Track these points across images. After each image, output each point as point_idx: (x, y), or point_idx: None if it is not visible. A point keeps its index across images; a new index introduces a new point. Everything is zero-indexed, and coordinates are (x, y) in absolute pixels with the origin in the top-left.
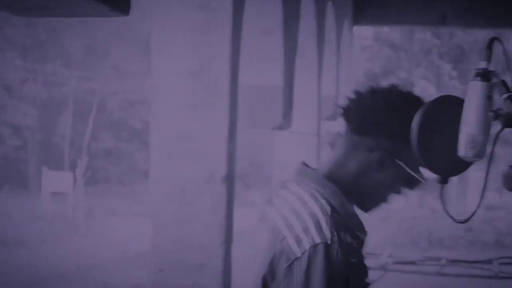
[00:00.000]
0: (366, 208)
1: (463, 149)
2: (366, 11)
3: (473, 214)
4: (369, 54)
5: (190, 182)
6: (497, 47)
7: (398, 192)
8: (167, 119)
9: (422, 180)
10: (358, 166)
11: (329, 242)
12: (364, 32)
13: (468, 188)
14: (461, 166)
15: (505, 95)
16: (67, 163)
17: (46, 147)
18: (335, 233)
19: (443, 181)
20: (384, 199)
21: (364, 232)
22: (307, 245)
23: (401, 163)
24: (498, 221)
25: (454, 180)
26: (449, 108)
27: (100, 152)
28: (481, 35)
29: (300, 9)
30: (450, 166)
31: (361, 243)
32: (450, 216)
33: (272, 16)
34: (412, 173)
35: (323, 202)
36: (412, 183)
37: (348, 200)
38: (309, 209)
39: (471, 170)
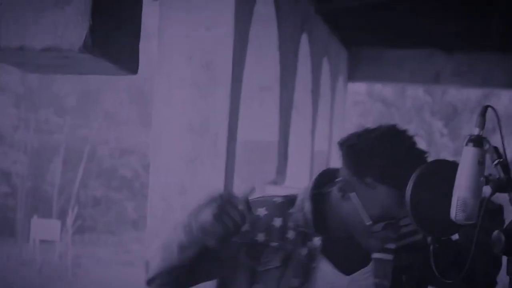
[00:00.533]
0: (362, 246)
1: (454, 212)
2: (360, 68)
3: (462, 274)
4: (361, 110)
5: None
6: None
7: (380, 237)
8: (166, 172)
9: (366, 222)
10: (334, 191)
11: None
12: (357, 88)
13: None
14: (452, 227)
15: (496, 161)
16: (56, 211)
17: (35, 195)
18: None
19: (434, 242)
20: (366, 238)
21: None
22: None
23: (355, 196)
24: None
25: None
26: (441, 171)
27: (89, 201)
28: (474, 93)
29: (297, 65)
30: (442, 227)
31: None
32: (439, 276)
33: (270, 73)
34: (361, 210)
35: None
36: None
37: (336, 232)
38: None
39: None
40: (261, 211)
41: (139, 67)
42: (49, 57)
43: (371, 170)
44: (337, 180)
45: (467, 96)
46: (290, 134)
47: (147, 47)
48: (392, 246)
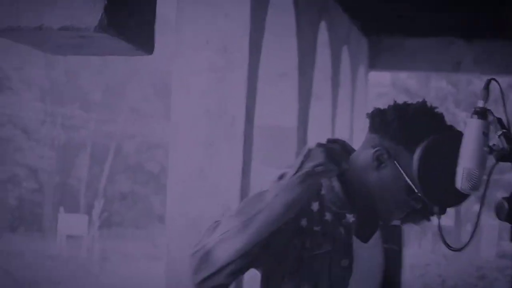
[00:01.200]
0: (381, 216)
1: (460, 182)
2: (381, 57)
3: (467, 244)
4: (386, 101)
5: (205, 216)
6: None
7: (405, 206)
8: (185, 156)
9: (415, 189)
10: (361, 161)
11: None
12: (381, 79)
13: (483, 235)
14: (458, 198)
15: (499, 132)
16: (83, 206)
17: (62, 190)
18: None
19: (441, 211)
20: (391, 208)
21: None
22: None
23: (398, 166)
24: (511, 269)
25: (467, 227)
26: (447, 143)
27: (116, 195)
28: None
29: (315, 53)
30: (448, 198)
31: (337, 217)
32: (446, 244)
33: (288, 60)
34: (407, 180)
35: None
36: (411, 195)
37: (360, 203)
38: None
39: (484, 219)
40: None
41: (165, 60)
42: (66, 36)
43: (415, 138)
44: (362, 152)
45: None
46: (310, 121)
47: (171, 41)
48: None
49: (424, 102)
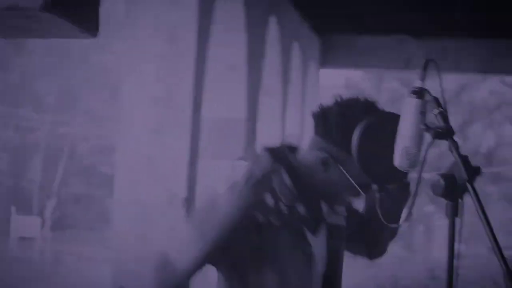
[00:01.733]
0: (330, 204)
1: (398, 160)
2: (332, 55)
3: (405, 219)
4: None
5: (152, 203)
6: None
7: (346, 199)
8: (132, 143)
9: (361, 192)
10: (309, 161)
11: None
12: (336, 81)
13: (434, 236)
14: (397, 176)
15: (436, 111)
16: (36, 208)
17: (15, 192)
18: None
19: (381, 189)
20: (336, 201)
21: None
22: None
23: (343, 170)
24: (464, 269)
25: (420, 228)
26: (385, 123)
27: (69, 198)
28: (449, 85)
29: (265, 47)
30: (387, 176)
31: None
32: (382, 220)
33: (237, 52)
34: (352, 181)
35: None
36: (355, 193)
37: (308, 197)
38: None
39: (436, 219)
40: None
41: (120, 63)
42: (12, 16)
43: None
44: (305, 153)
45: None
46: (260, 115)
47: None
48: (344, 212)
49: (367, 102)
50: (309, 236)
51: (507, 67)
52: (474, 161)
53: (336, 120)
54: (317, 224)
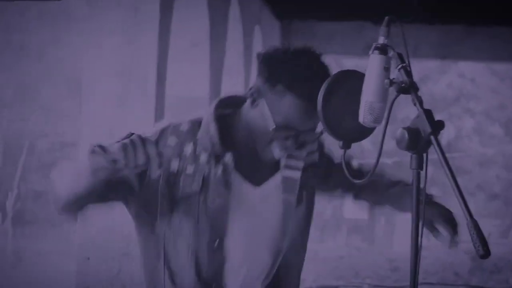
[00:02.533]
0: (260, 154)
1: (362, 116)
2: (293, 40)
3: (370, 175)
4: None
5: None
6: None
7: (280, 144)
8: (97, 116)
9: (270, 126)
10: (244, 100)
11: (146, 135)
12: None
13: (396, 229)
14: (362, 132)
15: (399, 66)
16: None
17: None
18: (159, 134)
19: (346, 146)
20: (265, 145)
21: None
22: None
23: (265, 104)
24: (424, 260)
25: (381, 221)
26: (349, 80)
27: (29, 194)
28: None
29: (227, 28)
30: (352, 133)
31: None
32: (350, 177)
33: (199, 30)
34: (267, 115)
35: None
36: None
37: (241, 143)
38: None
39: (398, 214)
40: (172, 140)
41: (78, 59)
42: None
43: (282, 78)
44: (249, 88)
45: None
46: (222, 91)
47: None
48: (300, 164)
49: (305, 47)
50: (246, 193)
51: (464, 52)
52: (435, 156)
53: (267, 59)
54: (261, 177)
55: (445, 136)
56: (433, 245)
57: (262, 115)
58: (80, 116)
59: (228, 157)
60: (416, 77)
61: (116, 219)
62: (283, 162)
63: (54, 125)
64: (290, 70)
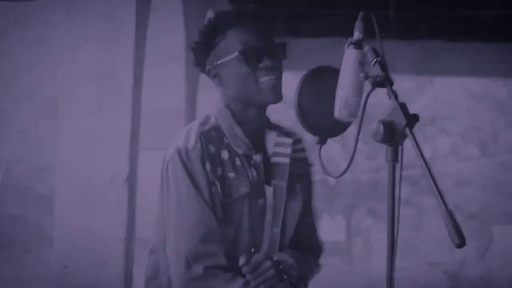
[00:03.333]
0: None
1: (337, 110)
2: None
3: (345, 171)
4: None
5: (95, 181)
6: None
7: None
8: (73, 121)
9: (235, 56)
10: None
11: (189, 147)
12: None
13: (373, 249)
14: (338, 127)
15: (374, 60)
16: None
17: None
18: (201, 143)
19: (322, 141)
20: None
21: (248, 150)
22: (169, 152)
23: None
24: (402, 281)
25: (359, 241)
26: (325, 76)
27: (5, 218)
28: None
29: None
30: (328, 128)
31: (246, 160)
32: (327, 172)
33: (176, 41)
34: (227, 58)
35: (212, 120)
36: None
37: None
38: (189, 126)
39: (373, 232)
40: (212, 148)
41: (53, 82)
42: None
43: (216, 31)
44: None
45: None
46: (198, 103)
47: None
48: (287, 150)
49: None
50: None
51: (441, 68)
52: (412, 175)
53: None
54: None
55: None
56: (411, 266)
57: (230, 70)
58: (57, 137)
59: (257, 158)
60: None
61: (94, 225)
62: (271, 150)
63: (30, 148)
64: (221, 19)
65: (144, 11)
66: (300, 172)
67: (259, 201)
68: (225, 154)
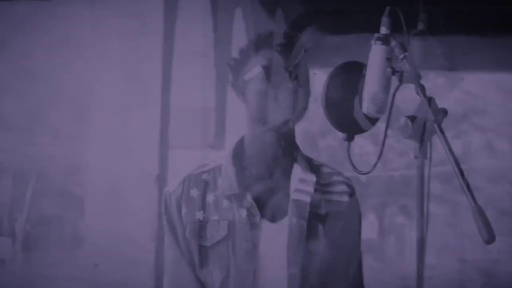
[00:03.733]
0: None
1: (365, 106)
2: None
3: (373, 167)
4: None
5: (125, 181)
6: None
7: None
8: (101, 121)
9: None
10: None
11: (171, 191)
12: None
13: (405, 247)
14: (365, 124)
15: (401, 55)
16: (6, 230)
17: None
18: (182, 187)
19: (349, 138)
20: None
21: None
22: None
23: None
24: (432, 280)
25: (391, 239)
26: (352, 72)
27: (39, 219)
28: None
29: (232, 37)
30: (355, 124)
31: (237, 200)
32: (354, 168)
33: (204, 39)
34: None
35: (220, 161)
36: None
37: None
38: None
39: (405, 230)
40: (194, 192)
41: (86, 83)
42: None
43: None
44: None
45: (411, 96)
46: (228, 102)
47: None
48: (310, 188)
49: None
50: (265, 231)
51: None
52: (444, 172)
53: None
54: (274, 211)
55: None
56: (444, 263)
57: (254, 86)
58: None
59: (249, 198)
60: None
61: (124, 224)
62: (293, 187)
63: (62, 149)
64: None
65: (172, 9)
66: (325, 213)
67: (244, 244)
68: (210, 197)
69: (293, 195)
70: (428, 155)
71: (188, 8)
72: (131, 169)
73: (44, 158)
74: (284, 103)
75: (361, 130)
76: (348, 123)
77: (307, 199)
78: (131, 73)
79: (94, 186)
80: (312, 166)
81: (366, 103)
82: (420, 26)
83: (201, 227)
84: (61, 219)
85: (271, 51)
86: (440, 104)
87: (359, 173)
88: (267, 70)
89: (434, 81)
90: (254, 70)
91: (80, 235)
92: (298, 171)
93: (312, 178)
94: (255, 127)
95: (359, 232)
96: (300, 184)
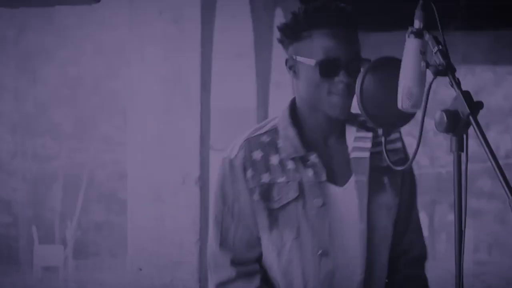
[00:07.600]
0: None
1: (401, 101)
2: None
3: (410, 162)
4: None
5: (166, 183)
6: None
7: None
8: (142, 124)
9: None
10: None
11: (232, 156)
12: None
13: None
14: (402, 118)
15: (435, 49)
16: (58, 237)
17: (37, 222)
18: (244, 151)
19: (386, 133)
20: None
21: (303, 154)
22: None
23: (301, 61)
24: (487, 275)
25: (442, 237)
26: (388, 67)
27: (90, 225)
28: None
29: (272, 37)
30: (391, 119)
31: (301, 161)
32: (390, 163)
33: (244, 40)
34: (307, 60)
35: (272, 123)
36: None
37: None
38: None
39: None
40: (257, 154)
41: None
42: None
43: (302, 25)
44: None
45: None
46: (270, 102)
47: (126, 69)
48: (368, 144)
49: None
50: (333, 190)
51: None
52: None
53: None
54: (341, 174)
55: (503, 148)
56: (496, 260)
57: (306, 72)
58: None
59: (314, 158)
60: (471, 90)
61: (167, 227)
62: (350, 146)
63: (111, 155)
64: (307, 16)
65: (210, 11)
66: (386, 164)
67: (315, 201)
68: (275, 159)
69: (352, 154)
70: (465, 148)
71: (226, 9)
72: (172, 171)
73: (94, 165)
74: (336, 98)
75: (396, 125)
76: (383, 117)
77: (366, 154)
78: (170, 77)
79: (137, 190)
80: (362, 123)
81: (401, 98)
82: (459, 19)
83: (268, 189)
84: (109, 224)
85: (326, 36)
86: (488, 99)
87: (395, 168)
88: (322, 66)
89: (481, 75)
90: (308, 60)
91: (125, 239)
92: (352, 131)
93: (368, 134)
94: (304, 105)
95: (414, 181)
96: (357, 142)
